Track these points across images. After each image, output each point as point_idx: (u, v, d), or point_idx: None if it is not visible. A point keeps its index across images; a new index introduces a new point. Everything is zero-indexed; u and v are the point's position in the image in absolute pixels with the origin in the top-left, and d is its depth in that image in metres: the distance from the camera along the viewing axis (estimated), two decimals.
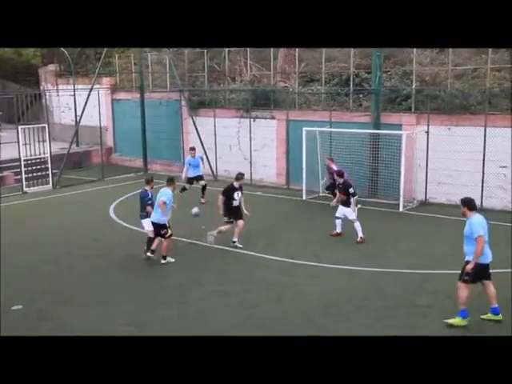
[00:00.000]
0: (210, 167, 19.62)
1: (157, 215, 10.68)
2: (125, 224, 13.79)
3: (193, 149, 16.55)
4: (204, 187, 15.92)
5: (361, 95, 17.69)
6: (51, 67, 26.81)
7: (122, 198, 16.78)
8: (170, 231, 10.75)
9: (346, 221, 12.08)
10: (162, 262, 10.75)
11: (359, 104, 17.71)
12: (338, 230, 12.24)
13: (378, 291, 9.22)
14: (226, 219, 11.58)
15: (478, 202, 14.06)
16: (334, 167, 14.30)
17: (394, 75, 17.20)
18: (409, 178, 15.15)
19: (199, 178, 16.10)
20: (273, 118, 18.72)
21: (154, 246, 10.85)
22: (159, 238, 10.80)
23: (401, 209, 14.74)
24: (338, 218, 12.16)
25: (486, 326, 7.74)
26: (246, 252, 11.37)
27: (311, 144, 16.53)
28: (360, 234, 11.89)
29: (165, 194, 10.70)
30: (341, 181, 12.18)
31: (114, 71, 24.13)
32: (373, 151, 15.80)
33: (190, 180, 16.06)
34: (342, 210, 12.08)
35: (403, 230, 12.95)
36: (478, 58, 16.27)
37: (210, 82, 21.29)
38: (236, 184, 11.61)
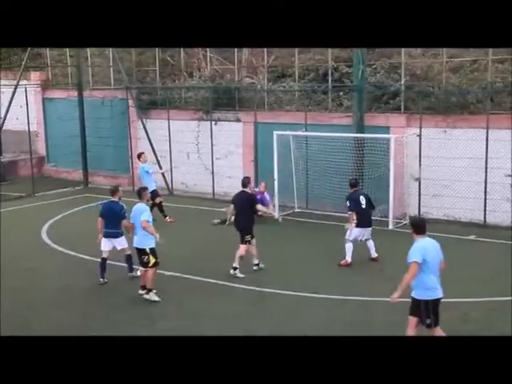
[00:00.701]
0: (165, 179, 19.43)
1: (139, 239, 10.32)
2: (61, 249, 13.46)
3: (141, 155, 16.37)
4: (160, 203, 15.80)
5: (341, 93, 17.86)
6: None
7: (57, 218, 16.42)
8: (154, 258, 10.29)
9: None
10: (144, 296, 10.32)
11: (339, 103, 17.88)
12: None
13: (358, 324, 9.18)
14: (249, 237, 11.55)
15: (480, 217, 14.89)
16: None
17: (380, 69, 17.41)
18: (399, 190, 15.30)
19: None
20: (238, 120, 18.73)
21: (142, 282, 10.48)
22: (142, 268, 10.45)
23: (390, 226, 14.83)
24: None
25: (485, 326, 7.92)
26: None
27: (284, 150, 16.60)
28: (347, 257, 11.97)
29: (144, 210, 10.33)
30: (350, 191, 12.42)
31: (46, 64, 23.77)
32: (356, 158, 15.84)
33: (154, 194, 15.38)
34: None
35: (392, 251, 13.02)
36: (477, 49, 16.48)
37: (162, 78, 21.18)
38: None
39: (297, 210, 16.55)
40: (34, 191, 19.57)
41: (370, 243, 12.36)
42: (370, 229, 12.33)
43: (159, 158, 19.48)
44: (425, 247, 7.41)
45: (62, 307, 10.29)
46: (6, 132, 21.04)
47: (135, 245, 10.41)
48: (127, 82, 20.63)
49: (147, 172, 15.74)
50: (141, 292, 10.44)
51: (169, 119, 19.52)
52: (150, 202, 12.02)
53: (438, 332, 7.48)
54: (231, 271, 11.44)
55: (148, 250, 10.24)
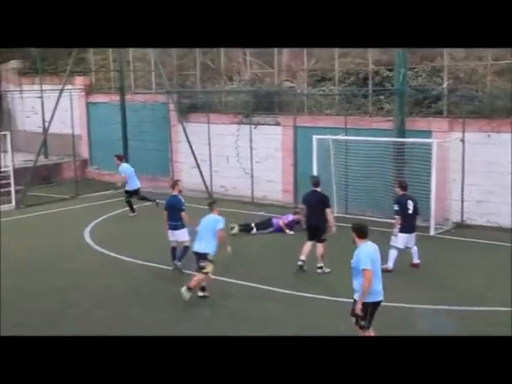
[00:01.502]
0: (204, 183, 19.57)
1: (203, 245, 10.42)
2: (103, 250, 13.69)
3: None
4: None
5: (382, 97, 17.67)
6: (13, 64, 26.84)
7: (99, 220, 16.71)
8: (211, 265, 10.49)
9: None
10: (183, 290, 10.27)
11: (380, 107, 17.70)
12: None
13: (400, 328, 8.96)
14: (325, 236, 11.70)
15: None
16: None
17: (422, 72, 17.19)
18: (441, 196, 15.06)
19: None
20: (277, 124, 18.72)
21: (193, 284, 10.43)
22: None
23: (432, 232, 14.62)
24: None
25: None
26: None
27: (323, 154, 16.51)
28: (389, 263, 11.71)
29: (218, 220, 10.60)
30: (400, 193, 12.17)
31: (89, 69, 24.22)
32: (397, 163, 15.71)
33: (135, 192, 17.00)
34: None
35: (434, 257, 12.83)
36: None
37: (202, 82, 21.33)
38: None
39: (336, 215, 16.40)
40: (78, 193, 19.88)
41: (414, 249, 12.17)
42: (415, 234, 12.16)
43: (199, 162, 19.61)
44: (371, 252, 7.55)
45: (104, 307, 10.45)
46: (51, 135, 21.48)
47: (197, 249, 10.48)
48: (168, 86, 20.84)
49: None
50: (200, 294, 10.54)
51: (209, 123, 19.63)
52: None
53: (369, 334, 7.57)
54: (318, 270, 11.60)
55: (209, 257, 10.41)
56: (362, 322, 7.52)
